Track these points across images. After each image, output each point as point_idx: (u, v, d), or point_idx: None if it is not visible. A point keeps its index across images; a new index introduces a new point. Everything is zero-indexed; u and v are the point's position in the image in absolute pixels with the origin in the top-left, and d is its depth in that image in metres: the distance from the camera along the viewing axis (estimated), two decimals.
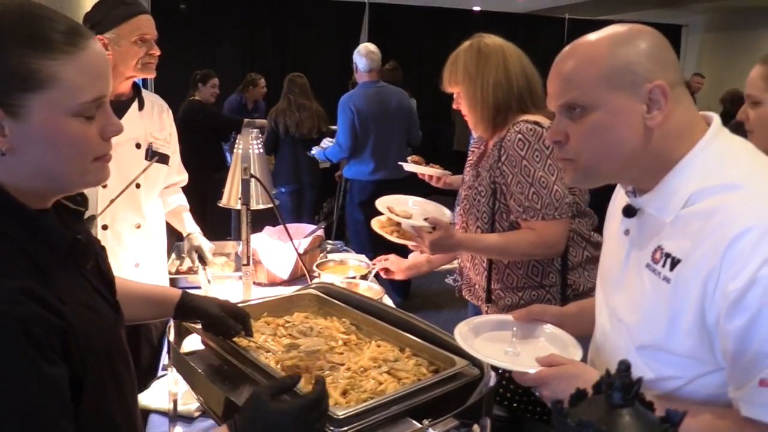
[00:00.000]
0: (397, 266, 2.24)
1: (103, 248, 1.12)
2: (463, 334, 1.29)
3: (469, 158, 2.15)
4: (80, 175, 0.91)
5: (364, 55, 4.29)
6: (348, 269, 2.45)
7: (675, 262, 0.97)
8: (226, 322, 1.31)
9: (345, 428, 1.03)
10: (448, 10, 8.17)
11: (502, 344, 1.31)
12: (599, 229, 1.56)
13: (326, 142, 4.90)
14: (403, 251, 2.24)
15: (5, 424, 0.77)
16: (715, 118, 1.04)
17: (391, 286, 4.96)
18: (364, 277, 2.36)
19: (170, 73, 6.83)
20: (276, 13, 7.71)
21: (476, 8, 8.82)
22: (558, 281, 1.87)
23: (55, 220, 0.95)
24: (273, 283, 2.44)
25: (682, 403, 0.98)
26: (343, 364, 1.33)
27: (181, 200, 2.43)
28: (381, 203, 2.06)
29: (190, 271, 2.50)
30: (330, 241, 3.02)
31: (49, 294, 0.83)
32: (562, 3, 8.68)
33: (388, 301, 2.25)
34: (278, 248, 2.42)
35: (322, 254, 2.68)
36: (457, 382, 1.22)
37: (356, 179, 4.49)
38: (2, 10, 0.84)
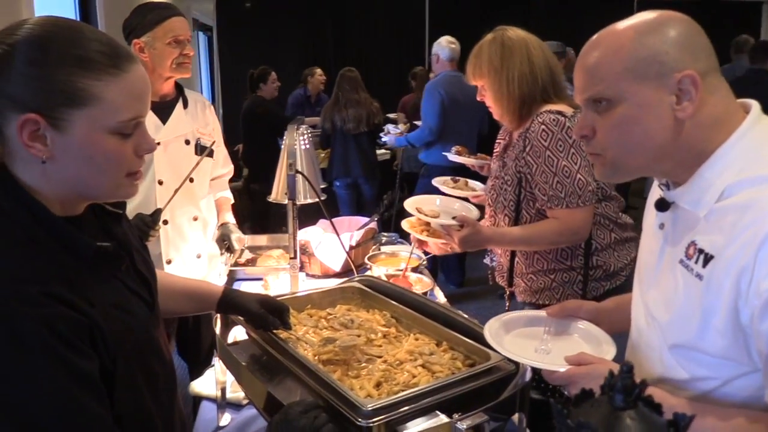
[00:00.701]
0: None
1: (145, 247, 1.18)
2: (493, 330, 1.28)
3: (495, 149, 2.18)
4: (112, 188, 0.98)
5: (445, 45, 4.52)
6: (400, 261, 2.47)
7: (708, 259, 0.93)
8: (265, 318, 1.36)
9: (373, 420, 1.05)
10: None
11: (533, 341, 1.29)
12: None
13: (392, 129, 4.94)
14: None
15: (45, 420, 0.83)
16: (755, 106, 0.99)
17: (445, 276, 4.96)
18: (415, 269, 2.38)
19: (235, 68, 7.08)
20: (336, 7, 7.78)
21: None
22: (584, 263, 1.92)
23: (86, 227, 1.01)
24: (326, 275, 2.49)
25: (717, 405, 0.95)
26: (380, 356, 1.35)
27: (226, 193, 2.54)
28: (409, 204, 2.13)
29: (248, 263, 2.59)
30: (385, 234, 3.05)
31: (75, 297, 0.89)
32: None
33: (438, 292, 2.26)
34: (330, 241, 2.46)
35: (375, 246, 2.70)
36: (490, 377, 1.22)
37: (436, 164, 4.48)
38: (56, 31, 0.91)
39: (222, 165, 2.48)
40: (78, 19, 3.97)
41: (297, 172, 1.80)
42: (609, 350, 1.18)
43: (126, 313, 0.99)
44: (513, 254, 2.03)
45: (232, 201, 2.56)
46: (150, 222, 1.98)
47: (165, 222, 2.19)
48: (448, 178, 2.46)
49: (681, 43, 0.96)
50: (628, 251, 1.98)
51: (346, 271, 2.50)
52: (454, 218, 1.93)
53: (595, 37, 1.03)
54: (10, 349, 0.82)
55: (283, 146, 1.89)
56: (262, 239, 2.85)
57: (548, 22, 7.75)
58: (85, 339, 0.89)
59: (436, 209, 2.13)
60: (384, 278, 2.12)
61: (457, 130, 4.44)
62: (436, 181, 2.42)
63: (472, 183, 2.42)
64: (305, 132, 1.98)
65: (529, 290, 2.01)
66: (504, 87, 1.87)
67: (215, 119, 2.41)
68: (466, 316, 1.47)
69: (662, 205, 1.05)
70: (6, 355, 0.82)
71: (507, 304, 2.15)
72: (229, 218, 2.44)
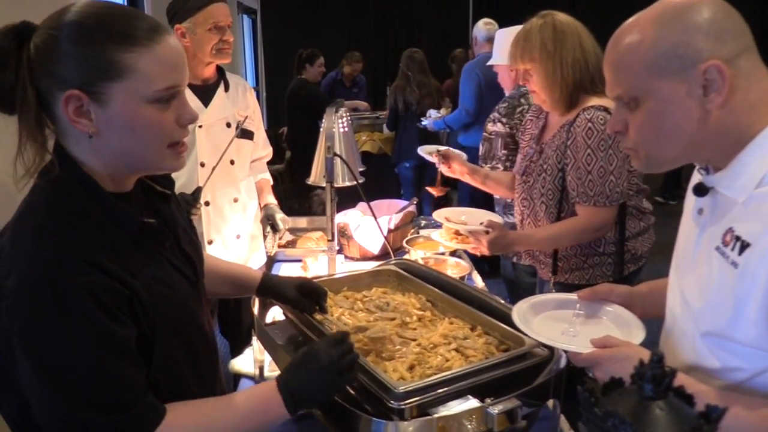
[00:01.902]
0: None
1: (193, 228, 1.21)
2: (521, 312, 1.27)
3: (527, 126, 2.19)
4: (157, 159, 1.01)
5: (482, 27, 4.45)
6: (438, 245, 2.46)
7: (744, 246, 0.90)
8: (302, 303, 1.40)
9: (404, 402, 1.06)
10: None
11: (562, 323, 1.28)
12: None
13: (433, 113, 4.92)
14: None
15: (78, 379, 0.88)
16: None
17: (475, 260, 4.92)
18: (453, 254, 2.38)
19: (279, 51, 7.14)
20: None
21: None
22: (617, 249, 2.00)
23: (134, 204, 1.04)
24: (365, 258, 2.51)
25: (749, 396, 0.92)
26: (415, 339, 1.36)
27: (266, 175, 2.58)
28: (438, 215, 2.30)
29: (288, 245, 2.63)
30: (423, 217, 3.04)
31: (118, 267, 0.93)
32: None
33: (476, 277, 2.25)
34: (369, 224, 2.47)
35: (414, 230, 2.71)
36: (524, 363, 1.21)
37: (475, 147, 4.45)
38: (91, 11, 0.94)
39: (262, 147, 2.51)
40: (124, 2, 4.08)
41: (335, 155, 1.81)
42: (638, 334, 1.16)
43: (167, 287, 1.03)
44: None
45: (272, 182, 2.59)
46: (191, 200, 2.03)
47: (207, 203, 2.24)
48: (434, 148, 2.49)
49: (704, 29, 0.92)
50: (650, 236, 2.10)
51: (384, 254, 2.51)
52: (481, 224, 2.03)
53: (618, 31, 1.00)
54: (53, 310, 0.87)
55: (321, 129, 1.90)
56: (302, 221, 2.88)
57: (597, 2, 7.54)
58: (124, 308, 0.93)
59: (462, 220, 2.29)
60: (421, 262, 2.13)
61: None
62: (422, 150, 2.53)
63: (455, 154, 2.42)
64: (344, 115, 1.98)
65: (562, 270, 2.06)
66: (558, 72, 1.85)
67: (255, 102, 2.45)
68: (502, 300, 1.47)
69: (701, 190, 1.02)
70: (48, 315, 0.87)
71: (551, 289, 2.14)
72: (271, 199, 2.48)
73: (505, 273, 3.33)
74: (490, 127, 3.19)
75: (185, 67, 1.01)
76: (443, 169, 2.34)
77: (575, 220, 1.91)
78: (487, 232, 1.96)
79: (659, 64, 0.94)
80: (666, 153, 1.00)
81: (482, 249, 1.99)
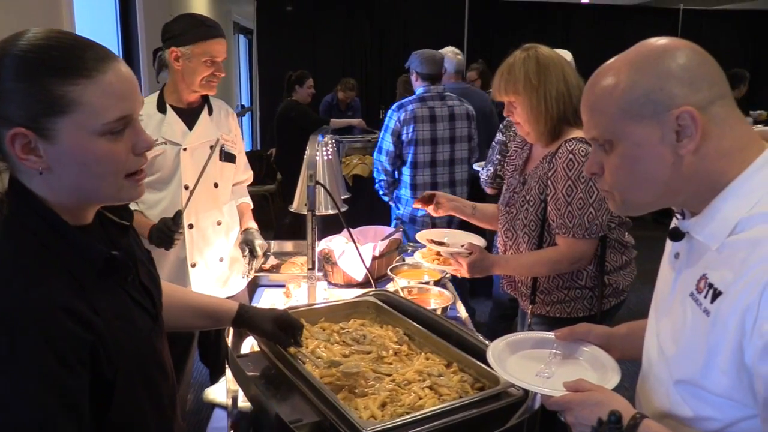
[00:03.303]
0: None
1: (150, 260, 1.19)
2: (496, 351, 1.26)
3: (511, 157, 2.20)
4: (114, 191, 0.98)
5: (452, 58, 4.38)
6: (422, 273, 2.45)
7: (716, 294, 0.89)
8: (278, 336, 1.38)
9: None
10: (552, 3, 7.91)
11: (538, 363, 1.26)
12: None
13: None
14: None
15: (17, 426, 0.84)
16: None
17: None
18: (437, 283, 2.36)
19: (273, 71, 7.15)
20: (376, 12, 7.79)
21: (585, 0, 8.47)
22: (597, 283, 2.02)
23: (94, 237, 1.02)
24: (349, 284, 2.49)
25: None
26: (389, 375, 1.34)
27: (247, 199, 2.56)
28: (421, 236, 2.32)
29: (272, 269, 2.60)
30: (410, 244, 3.03)
31: (83, 305, 0.90)
32: None
33: (460, 307, 2.24)
34: (353, 251, 2.46)
35: (399, 257, 2.69)
36: (497, 403, 1.19)
37: None
38: (35, 43, 0.91)
39: (243, 171, 2.50)
40: (118, 21, 4.09)
41: (317, 183, 1.80)
42: (612, 378, 1.15)
43: (128, 323, 1.00)
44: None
45: (252, 206, 2.58)
46: (172, 225, 2.01)
47: (190, 226, 2.23)
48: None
49: (678, 75, 0.92)
50: (632, 270, 2.11)
51: (369, 281, 2.49)
52: (462, 246, 2.06)
53: (595, 73, 1.01)
54: (5, 355, 0.83)
55: (305, 156, 1.90)
56: (288, 245, 2.86)
57: (589, 32, 7.63)
58: (84, 356, 0.90)
59: (445, 240, 2.32)
60: (403, 291, 2.12)
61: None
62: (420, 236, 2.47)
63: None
64: (329, 142, 1.98)
65: (542, 302, 2.08)
66: (541, 104, 1.87)
67: (237, 126, 2.45)
68: (480, 337, 1.45)
69: (676, 235, 1.02)
70: (2, 360, 0.83)
71: (529, 320, 2.15)
72: (252, 224, 2.46)
73: (498, 294, 3.33)
74: (497, 137, 3.30)
75: (137, 95, 0.98)
76: (430, 210, 2.32)
77: (553, 250, 1.93)
78: (468, 255, 1.99)
79: (633, 109, 0.94)
80: (640, 197, 1.00)
81: (462, 271, 2.02)
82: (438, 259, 2.25)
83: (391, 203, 3.86)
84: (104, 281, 0.97)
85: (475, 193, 3.66)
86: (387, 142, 3.59)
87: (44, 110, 0.88)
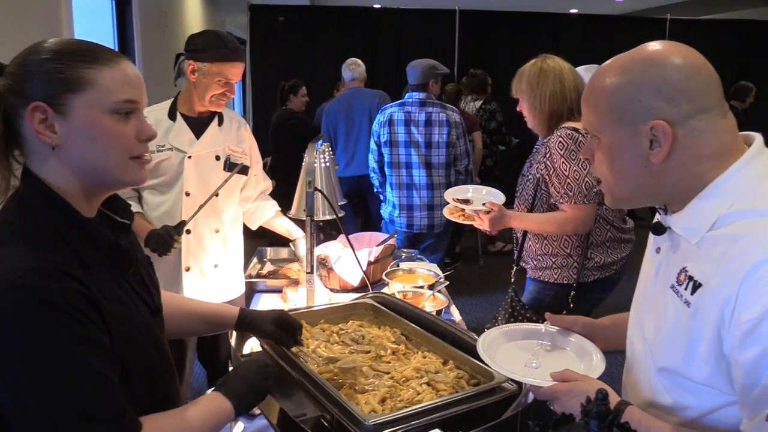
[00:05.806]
0: None
1: (150, 264, 1.24)
2: (487, 341, 1.31)
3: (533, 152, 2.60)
4: (120, 171, 1.05)
5: (349, 67, 4.93)
6: (417, 278, 2.50)
7: (696, 286, 0.95)
8: (279, 336, 1.44)
9: None
10: (541, 14, 8.02)
11: (527, 354, 1.31)
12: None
13: None
14: None
15: (53, 382, 0.90)
16: (757, 139, 1.00)
17: None
18: (431, 287, 2.41)
19: (266, 81, 7.21)
20: (368, 23, 7.88)
21: (573, 11, 8.60)
22: (580, 254, 2.36)
23: (100, 227, 1.08)
24: (345, 289, 2.53)
25: None
26: (388, 373, 1.39)
27: (276, 205, 2.64)
28: (447, 195, 2.60)
29: (270, 275, 2.65)
30: (405, 250, 3.09)
31: (91, 283, 0.97)
32: (664, 3, 8.29)
33: (454, 310, 2.29)
34: (349, 256, 2.50)
35: (394, 262, 2.74)
36: (492, 397, 1.24)
37: (349, 177, 4.83)
38: (58, 40, 1.03)
39: (262, 180, 2.57)
40: (114, 30, 4.14)
41: (316, 189, 1.85)
42: (598, 366, 1.19)
43: (130, 309, 1.06)
44: (524, 238, 2.49)
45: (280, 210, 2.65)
46: (174, 233, 2.06)
47: (188, 231, 2.27)
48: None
49: (658, 89, 0.96)
50: (621, 249, 2.42)
51: (363, 286, 2.54)
52: (484, 204, 2.39)
53: (598, 69, 1.06)
54: (33, 319, 0.89)
55: (303, 163, 1.95)
56: (283, 252, 2.91)
57: (577, 42, 7.73)
58: (97, 316, 0.96)
59: (469, 196, 2.60)
60: (399, 295, 2.17)
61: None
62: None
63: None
64: (326, 150, 2.03)
65: (535, 268, 2.46)
66: (537, 102, 2.31)
67: (251, 137, 2.49)
68: (474, 336, 1.50)
69: (658, 229, 1.07)
70: (28, 324, 0.89)
71: (512, 278, 2.51)
72: (298, 233, 2.55)
73: None
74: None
75: (143, 89, 1.07)
76: (478, 224, 2.46)
77: (561, 213, 2.29)
78: (488, 212, 2.34)
79: (616, 114, 1.00)
80: (619, 191, 1.06)
81: (484, 225, 2.38)
82: (463, 215, 2.49)
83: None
84: (108, 269, 1.03)
85: None
86: (372, 143, 3.92)
87: (63, 88, 0.98)
